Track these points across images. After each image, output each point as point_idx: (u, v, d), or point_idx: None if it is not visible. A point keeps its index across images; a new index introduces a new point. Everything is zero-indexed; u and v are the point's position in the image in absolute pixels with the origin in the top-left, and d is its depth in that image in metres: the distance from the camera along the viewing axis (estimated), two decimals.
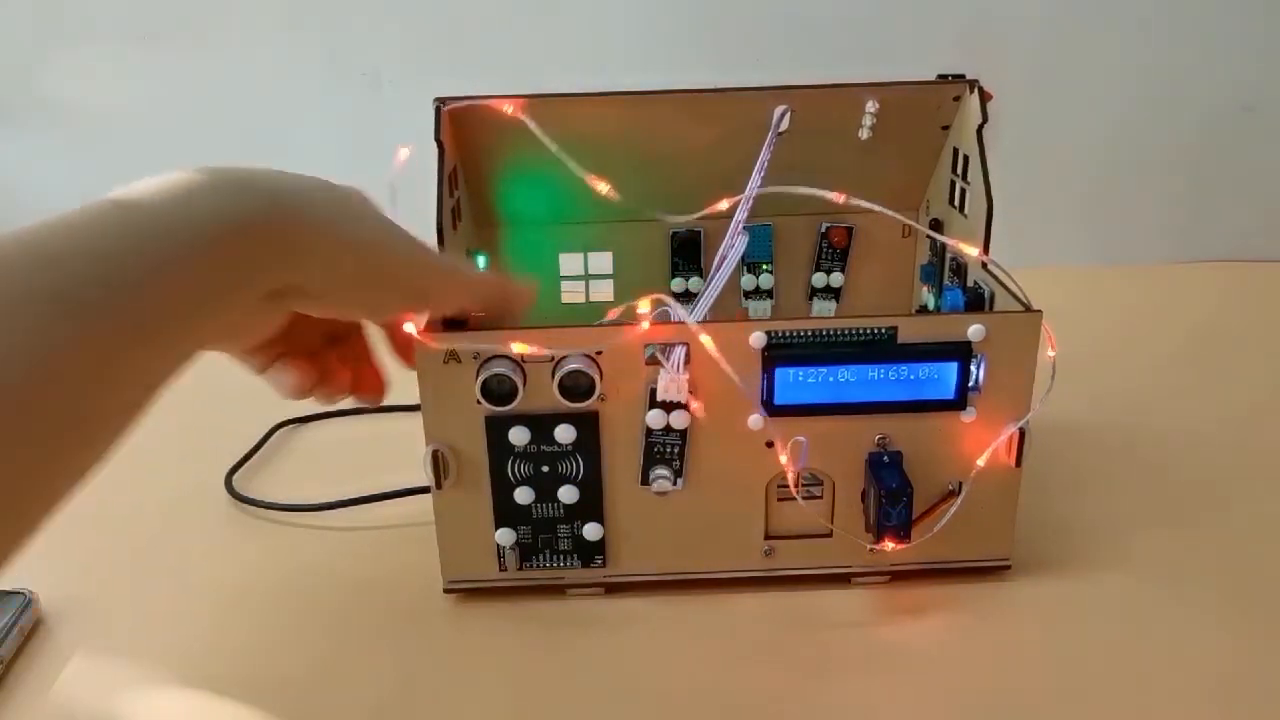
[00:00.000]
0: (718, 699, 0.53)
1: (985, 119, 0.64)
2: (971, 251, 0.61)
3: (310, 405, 0.83)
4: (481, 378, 0.54)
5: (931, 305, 0.71)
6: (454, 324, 0.55)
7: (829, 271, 0.76)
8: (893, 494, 0.56)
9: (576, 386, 0.55)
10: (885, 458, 0.57)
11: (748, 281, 0.76)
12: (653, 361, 0.55)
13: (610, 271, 0.75)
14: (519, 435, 0.56)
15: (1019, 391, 0.56)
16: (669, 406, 0.55)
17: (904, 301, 0.76)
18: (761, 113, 0.65)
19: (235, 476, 0.74)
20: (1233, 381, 0.85)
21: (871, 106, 0.68)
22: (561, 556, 0.59)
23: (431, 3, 0.95)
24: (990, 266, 0.61)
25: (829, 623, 0.58)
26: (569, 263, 0.74)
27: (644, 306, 0.55)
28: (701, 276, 0.74)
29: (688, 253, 0.74)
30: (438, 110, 0.64)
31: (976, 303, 0.63)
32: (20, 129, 0.99)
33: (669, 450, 0.57)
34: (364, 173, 0.67)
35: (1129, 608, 0.59)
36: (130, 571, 0.64)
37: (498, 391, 0.55)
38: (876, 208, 0.58)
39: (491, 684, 0.55)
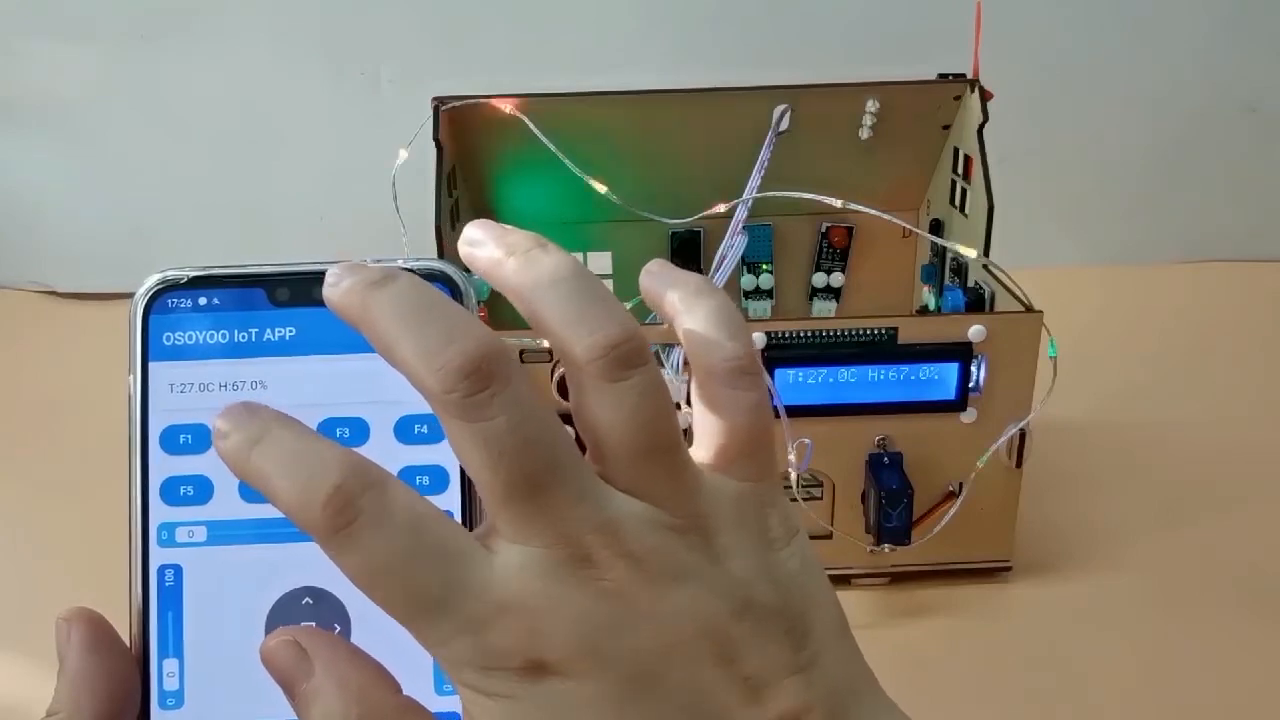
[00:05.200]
0: None
1: (986, 119, 0.64)
2: (971, 252, 0.61)
3: None
4: None
5: (932, 306, 0.71)
6: None
7: (829, 271, 0.76)
8: (893, 495, 0.56)
9: None
10: (885, 459, 0.57)
11: (748, 281, 0.75)
12: None
13: (610, 271, 0.74)
14: None
15: (1020, 392, 0.56)
16: None
17: (904, 302, 0.75)
18: (761, 113, 0.65)
19: None
20: (1234, 382, 0.85)
21: (871, 106, 0.67)
22: None
23: (431, 2, 0.95)
24: (990, 267, 0.61)
25: None
26: None
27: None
28: None
29: (688, 253, 0.74)
30: (436, 110, 0.64)
31: (977, 303, 0.63)
32: (16, 129, 0.99)
33: None
34: (363, 173, 0.67)
35: (1130, 609, 0.59)
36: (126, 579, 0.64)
37: None
38: (873, 211, 0.58)
39: None
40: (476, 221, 0.26)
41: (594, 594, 0.23)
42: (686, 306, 0.27)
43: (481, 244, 0.26)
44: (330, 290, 0.24)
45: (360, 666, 0.24)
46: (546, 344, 0.54)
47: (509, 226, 0.26)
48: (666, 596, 0.23)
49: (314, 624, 0.27)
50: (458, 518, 0.28)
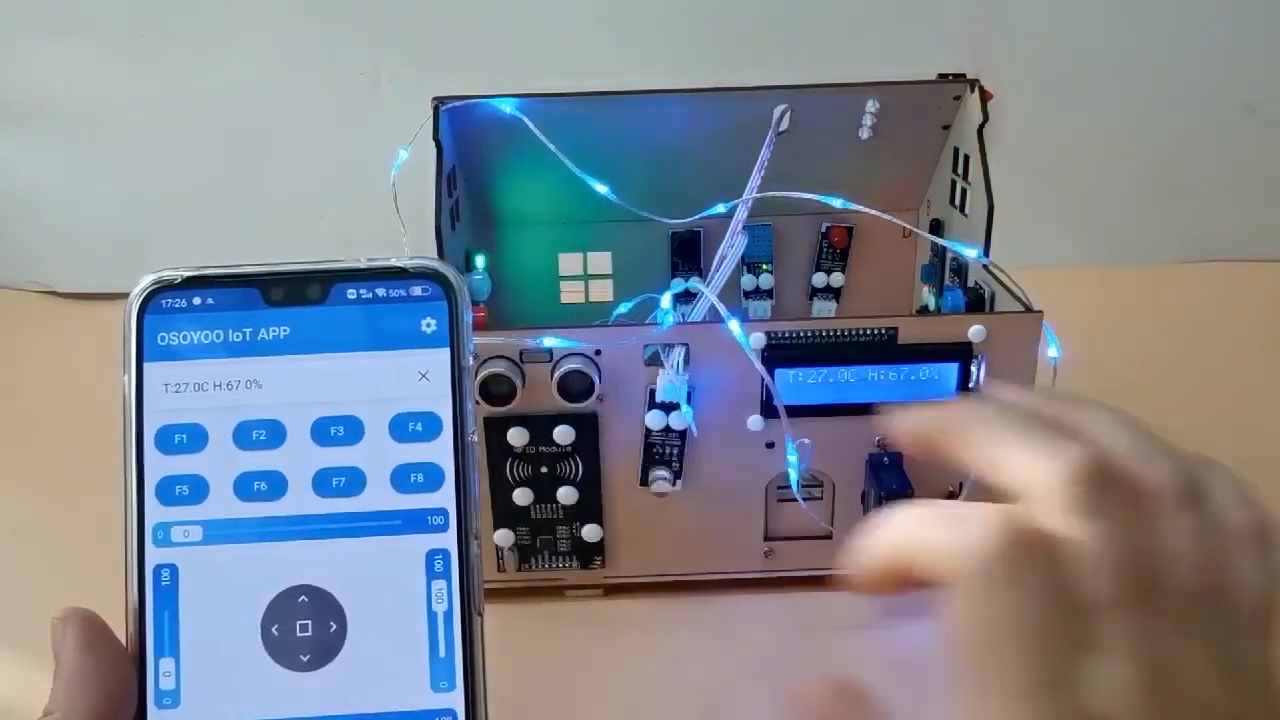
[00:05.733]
0: (717, 701, 0.53)
1: (986, 119, 0.64)
2: (971, 252, 0.61)
3: None
4: (480, 377, 0.54)
5: (932, 306, 0.71)
6: None
7: (829, 271, 0.76)
8: (893, 495, 0.55)
9: (576, 387, 0.55)
10: (885, 459, 0.57)
11: (748, 281, 0.75)
12: (653, 362, 0.55)
13: (610, 271, 0.74)
14: (518, 436, 0.56)
15: None
16: (668, 407, 0.55)
17: (904, 302, 0.75)
18: (761, 113, 0.65)
19: None
20: (1233, 382, 0.85)
21: (871, 106, 0.67)
22: (560, 558, 0.59)
23: (431, 2, 0.95)
24: (991, 267, 0.61)
25: (829, 624, 0.58)
26: (568, 262, 0.74)
27: (665, 303, 0.55)
28: (701, 276, 0.74)
29: (688, 253, 0.74)
30: (436, 110, 0.64)
31: (977, 303, 0.63)
32: (16, 129, 0.99)
33: (668, 451, 0.57)
34: (363, 173, 0.66)
35: None
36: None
37: (496, 392, 0.54)
38: (874, 211, 0.58)
39: (488, 685, 0.54)
40: (1003, 386, 0.31)
41: None
42: (1200, 471, 0.28)
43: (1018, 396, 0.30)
44: (925, 420, 0.29)
45: None
46: (547, 343, 0.54)
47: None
48: None
49: (310, 622, 0.27)
50: (452, 517, 0.28)
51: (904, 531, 0.27)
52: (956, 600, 0.26)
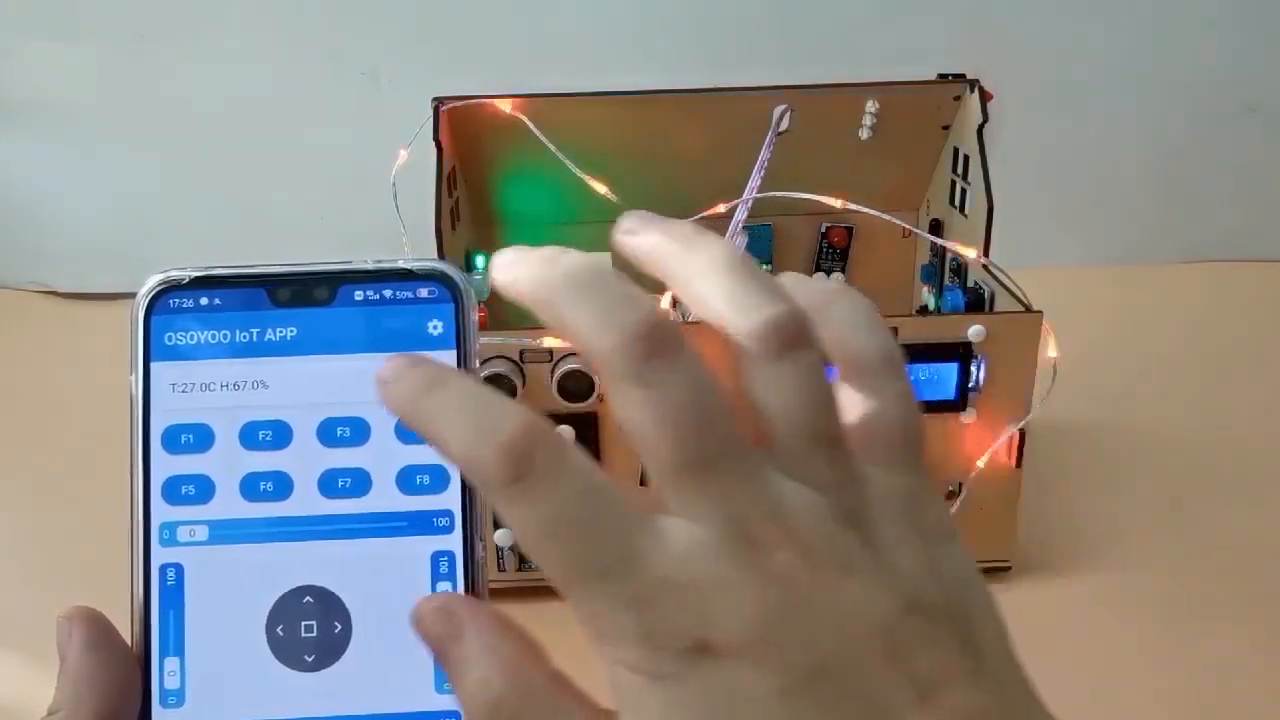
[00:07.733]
0: None
1: (985, 119, 0.64)
2: (970, 252, 0.61)
3: None
4: (480, 378, 0.54)
5: (932, 306, 0.71)
6: None
7: (829, 271, 0.76)
8: None
9: (576, 387, 0.55)
10: None
11: None
12: None
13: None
14: None
15: (1019, 392, 0.56)
16: None
17: (904, 302, 0.75)
18: (761, 113, 0.65)
19: None
20: (1233, 381, 0.85)
21: (871, 106, 0.67)
22: None
23: (430, 2, 0.95)
24: (990, 267, 0.61)
25: None
26: None
27: (665, 301, 0.55)
28: None
29: None
30: (436, 110, 0.64)
31: (977, 303, 0.63)
32: (16, 129, 0.99)
33: None
34: (363, 173, 0.67)
35: (1130, 608, 0.59)
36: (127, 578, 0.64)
37: None
38: (874, 211, 0.58)
39: None
40: (634, 212, 0.27)
41: (764, 579, 0.22)
42: (825, 302, 0.26)
43: (640, 232, 0.27)
44: (500, 273, 0.25)
45: (510, 636, 0.24)
46: (547, 344, 0.54)
47: (666, 218, 0.27)
48: (837, 588, 0.22)
49: (315, 623, 0.27)
50: (457, 519, 0.28)
51: (418, 409, 0.23)
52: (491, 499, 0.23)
